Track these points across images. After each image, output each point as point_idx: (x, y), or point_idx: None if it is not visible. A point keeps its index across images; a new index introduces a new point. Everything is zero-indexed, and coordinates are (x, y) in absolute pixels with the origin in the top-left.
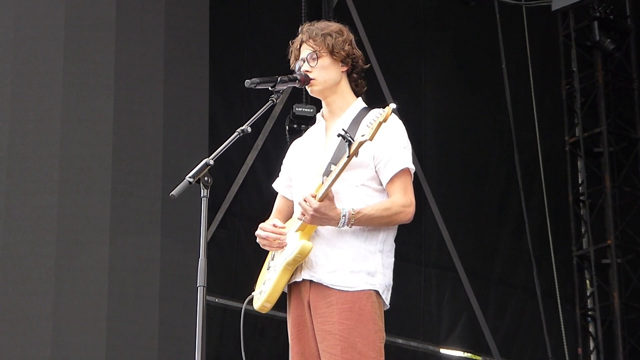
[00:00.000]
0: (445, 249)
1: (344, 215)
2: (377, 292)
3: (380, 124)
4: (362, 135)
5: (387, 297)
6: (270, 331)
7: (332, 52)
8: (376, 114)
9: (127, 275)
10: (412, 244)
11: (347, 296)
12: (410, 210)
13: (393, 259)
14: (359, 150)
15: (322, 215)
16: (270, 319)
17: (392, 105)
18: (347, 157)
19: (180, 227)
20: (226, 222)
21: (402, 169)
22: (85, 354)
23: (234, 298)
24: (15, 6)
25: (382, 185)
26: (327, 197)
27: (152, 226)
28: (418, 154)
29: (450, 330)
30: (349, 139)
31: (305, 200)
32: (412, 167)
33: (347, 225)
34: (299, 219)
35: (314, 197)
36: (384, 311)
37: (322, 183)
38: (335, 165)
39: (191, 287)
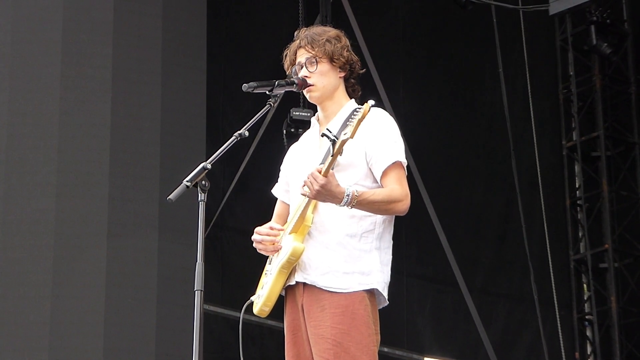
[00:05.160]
0: (428, 258)
1: (348, 195)
2: (372, 292)
3: (359, 121)
4: (345, 134)
5: (386, 293)
6: (261, 338)
7: (331, 59)
8: (356, 112)
9: (124, 279)
10: (393, 254)
11: (340, 300)
12: (407, 201)
13: (391, 256)
14: (344, 148)
15: (327, 191)
16: (259, 326)
17: (371, 102)
18: (332, 156)
19: (178, 231)
20: (209, 234)
21: (395, 162)
22: (83, 357)
23: (223, 306)
24: (12, 10)
25: (376, 182)
26: (330, 174)
27: (149, 230)
28: (414, 158)
29: (434, 339)
30: (333, 138)
31: (311, 176)
32: (405, 161)
33: (348, 206)
34: (302, 194)
35: (320, 171)
36: (385, 307)
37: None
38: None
39: (189, 291)
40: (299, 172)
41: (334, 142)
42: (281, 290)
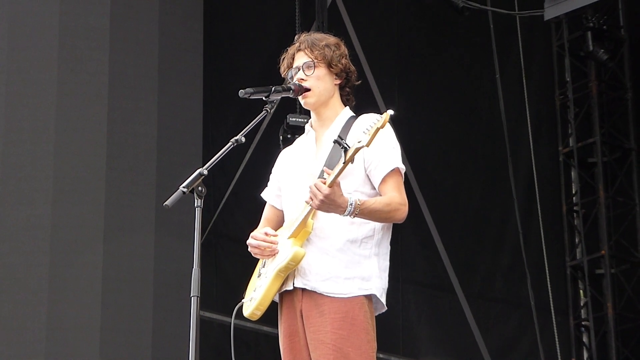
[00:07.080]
0: (425, 263)
1: (351, 204)
2: (371, 298)
3: (377, 130)
4: (359, 142)
5: (384, 300)
6: (256, 344)
7: (329, 64)
8: (373, 120)
9: (120, 284)
10: (390, 259)
11: (340, 305)
12: (405, 209)
13: (389, 262)
14: (355, 156)
15: (330, 201)
16: (255, 332)
17: (390, 112)
18: (343, 163)
19: (174, 237)
20: (205, 240)
21: (393, 169)
22: None
23: (218, 312)
24: (9, 16)
25: (374, 189)
26: (335, 184)
27: (145, 236)
28: (410, 164)
29: (430, 345)
30: (345, 145)
31: (315, 186)
32: (403, 167)
33: (351, 216)
34: (306, 202)
35: (324, 182)
36: (382, 313)
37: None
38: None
39: (185, 297)
40: (294, 178)
41: (345, 150)
42: (275, 295)
